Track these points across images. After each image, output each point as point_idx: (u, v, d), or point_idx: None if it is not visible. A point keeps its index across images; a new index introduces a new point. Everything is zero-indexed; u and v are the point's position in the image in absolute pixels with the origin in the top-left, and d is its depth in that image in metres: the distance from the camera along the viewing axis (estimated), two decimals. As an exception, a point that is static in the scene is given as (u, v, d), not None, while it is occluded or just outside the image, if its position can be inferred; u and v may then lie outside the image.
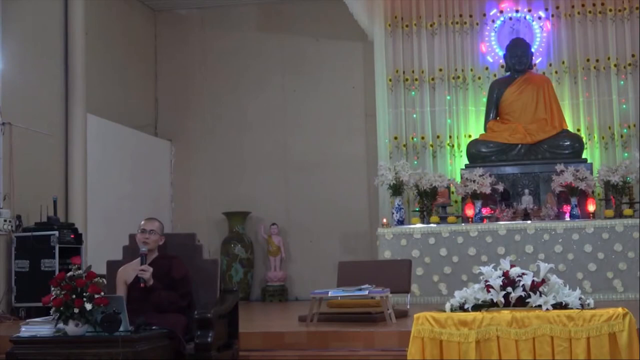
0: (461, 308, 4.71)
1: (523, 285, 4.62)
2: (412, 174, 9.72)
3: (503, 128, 10.31)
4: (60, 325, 4.66)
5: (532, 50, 10.65)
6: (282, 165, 11.73)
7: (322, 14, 11.64)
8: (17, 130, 8.68)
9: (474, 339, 4.51)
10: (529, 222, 9.18)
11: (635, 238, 8.86)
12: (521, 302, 4.62)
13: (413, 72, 10.90)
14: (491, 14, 10.97)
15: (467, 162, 10.23)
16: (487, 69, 10.91)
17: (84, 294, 4.59)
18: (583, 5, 10.64)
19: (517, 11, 10.92)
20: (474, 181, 9.38)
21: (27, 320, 4.97)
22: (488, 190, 9.38)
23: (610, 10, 10.54)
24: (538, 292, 4.62)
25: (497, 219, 9.33)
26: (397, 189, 9.67)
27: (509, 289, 4.63)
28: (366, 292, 6.59)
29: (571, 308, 4.56)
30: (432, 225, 9.38)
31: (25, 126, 8.82)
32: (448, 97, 10.85)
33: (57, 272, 7.30)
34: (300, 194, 11.59)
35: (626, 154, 10.16)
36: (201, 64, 12.07)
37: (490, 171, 9.63)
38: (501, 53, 10.75)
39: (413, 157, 10.73)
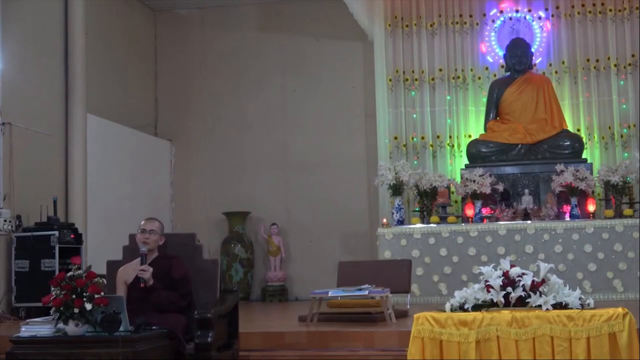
0: (461, 308, 4.71)
1: (523, 285, 4.62)
2: (412, 174, 9.72)
3: (503, 128, 10.31)
4: (60, 325, 4.66)
5: (532, 50, 10.65)
6: (282, 165, 11.73)
7: (322, 14, 11.64)
8: (17, 130, 8.68)
9: (474, 339, 4.51)
10: (529, 222, 9.18)
11: (635, 238, 8.87)
12: (521, 302, 4.62)
13: (413, 72, 10.90)
14: (491, 14, 10.97)
15: (467, 162, 10.23)
16: (487, 69, 10.91)
17: (84, 294, 4.59)
18: (583, 5, 10.64)
19: (517, 11, 10.92)
20: (474, 181, 9.38)
21: (27, 320, 4.97)
22: (488, 190, 9.38)
23: (610, 10, 10.54)
24: (538, 292, 4.62)
25: (497, 219, 9.33)
26: (397, 189, 9.67)
27: (509, 289, 4.63)
28: (366, 292, 6.59)
29: (571, 308, 4.56)
30: (432, 225, 9.38)
31: (25, 126, 8.82)
32: (448, 97, 10.85)
33: (57, 272, 7.30)
34: (300, 194, 11.60)
35: (626, 154, 10.16)
36: (201, 64, 12.07)
37: (490, 171, 9.63)
38: (501, 53, 10.75)
39: (413, 157, 10.73)
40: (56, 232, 8.44)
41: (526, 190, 9.69)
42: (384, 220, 9.64)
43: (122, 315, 4.65)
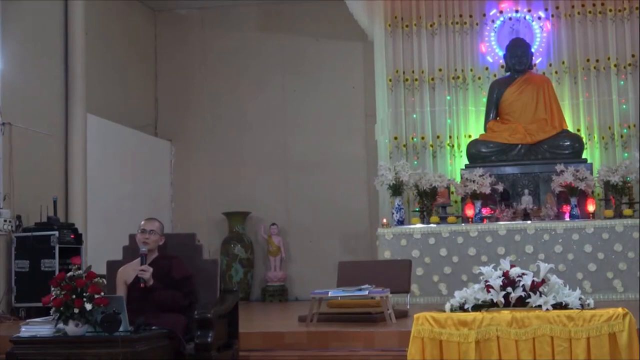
0: (461, 308, 4.71)
1: (523, 285, 4.62)
2: (412, 174, 9.72)
3: (503, 128, 10.31)
4: (60, 325, 4.66)
5: (532, 50, 10.65)
6: (282, 165, 11.74)
7: (322, 14, 11.64)
8: (17, 130, 8.68)
9: (474, 339, 4.51)
10: (528, 222, 9.18)
11: (635, 238, 8.87)
12: (521, 302, 4.62)
13: (413, 72, 10.90)
14: (491, 14, 10.97)
15: (467, 162, 10.23)
16: (487, 69, 10.91)
17: (84, 294, 4.59)
18: (583, 6, 10.64)
19: (517, 11, 10.92)
20: (474, 181, 9.39)
21: (27, 321, 4.97)
22: (488, 191, 9.38)
23: (610, 10, 10.54)
24: (538, 292, 4.62)
25: (497, 219, 9.33)
26: (397, 189, 9.67)
27: (509, 289, 4.63)
28: (366, 292, 6.59)
29: (571, 308, 4.56)
30: (432, 225, 9.38)
31: (25, 126, 8.82)
32: (448, 97, 10.85)
33: (57, 272, 7.30)
34: (300, 194, 11.60)
35: (626, 154, 10.16)
36: (201, 64, 12.08)
37: (490, 171, 9.63)
38: (501, 53, 10.75)
39: (413, 157, 10.72)
40: (56, 232, 8.44)
41: (526, 191, 9.69)
42: (384, 221, 9.64)
43: (122, 315, 4.65)
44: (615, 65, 10.46)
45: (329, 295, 6.74)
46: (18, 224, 8.56)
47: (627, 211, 9.16)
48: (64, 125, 9.61)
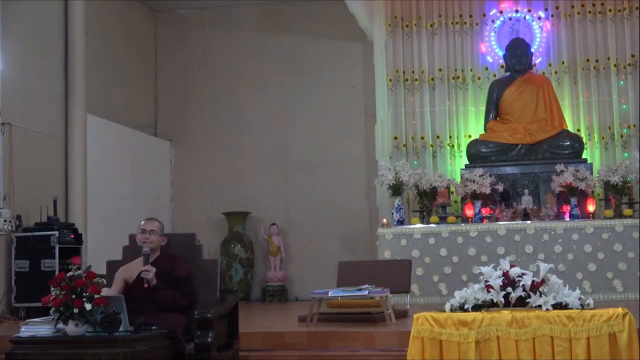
0: (461, 308, 4.71)
1: (523, 285, 4.62)
2: (412, 174, 9.72)
3: (503, 128, 10.31)
4: (60, 325, 4.66)
5: (532, 50, 10.65)
6: (282, 165, 11.74)
7: (322, 14, 11.64)
8: (17, 130, 8.68)
9: (474, 339, 4.51)
10: (528, 222, 9.18)
11: (635, 238, 8.87)
12: (521, 302, 4.62)
13: (413, 72, 10.89)
14: (491, 14, 10.97)
15: (467, 162, 10.23)
16: (487, 69, 10.91)
17: (84, 294, 4.59)
18: (583, 6, 10.63)
19: (516, 11, 10.92)
20: (474, 181, 9.39)
21: (27, 320, 4.97)
22: (488, 191, 9.39)
23: (610, 10, 10.54)
24: (538, 292, 4.62)
25: (497, 219, 9.33)
26: (397, 189, 9.68)
27: (509, 289, 4.63)
28: (366, 292, 6.59)
29: (571, 308, 4.56)
30: (432, 225, 9.38)
31: (25, 126, 8.82)
32: (448, 98, 10.84)
33: (57, 272, 7.30)
34: (300, 194, 11.60)
35: (626, 154, 10.16)
36: (201, 64, 12.08)
37: (490, 171, 9.63)
38: (501, 53, 10.75)
39: (413, 157, 10.72)
40: (56, 232, 8.44)
41: (526, 191, 9.69)
42: (384, 221, 9.64)
43: (121, 315, 4.65)
44: (615, 65, 10.45)
45: (329, 295, 6.74)
46: (18, 224, 8.56)
47: (627, 211, 9.16)
48: (64, 125, 9.61)
